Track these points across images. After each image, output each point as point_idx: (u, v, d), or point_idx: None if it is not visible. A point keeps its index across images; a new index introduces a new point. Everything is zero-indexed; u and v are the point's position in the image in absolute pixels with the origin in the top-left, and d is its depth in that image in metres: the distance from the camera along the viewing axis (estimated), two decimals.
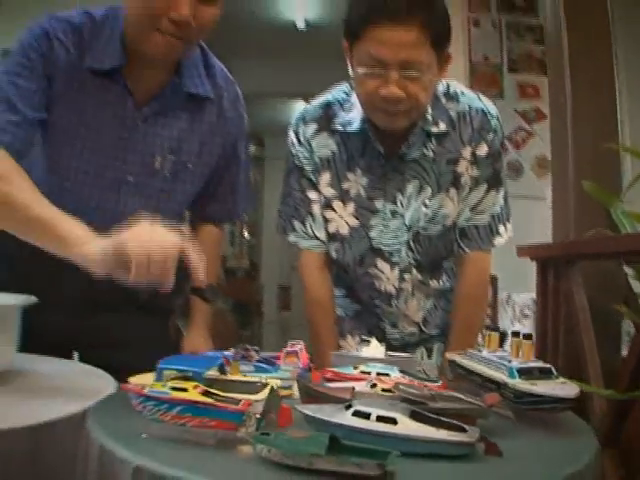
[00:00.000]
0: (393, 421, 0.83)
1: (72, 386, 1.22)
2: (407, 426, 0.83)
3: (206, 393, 0.87)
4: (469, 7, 4.24)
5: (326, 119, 1.65)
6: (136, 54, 1.40)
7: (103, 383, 1.22)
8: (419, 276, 1.69)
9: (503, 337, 1.27)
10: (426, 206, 1.61)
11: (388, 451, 0.75)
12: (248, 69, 7.72)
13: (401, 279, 1.68)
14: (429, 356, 1.79)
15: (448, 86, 1.63)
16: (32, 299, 1.24)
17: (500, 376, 1.06)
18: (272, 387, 0.93)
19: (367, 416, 0.84)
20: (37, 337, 1.34)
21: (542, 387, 1.00)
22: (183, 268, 1.15)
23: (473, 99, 1.62)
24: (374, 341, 1.36)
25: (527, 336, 1.10)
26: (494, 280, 3.78)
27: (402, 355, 1.37)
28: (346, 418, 0.84)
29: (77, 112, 1.42)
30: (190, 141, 1.54)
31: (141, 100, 1.46)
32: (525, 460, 0.86)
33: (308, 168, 1.67)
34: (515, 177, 4.06)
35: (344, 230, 1.66)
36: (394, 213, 1.63)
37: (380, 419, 0.83)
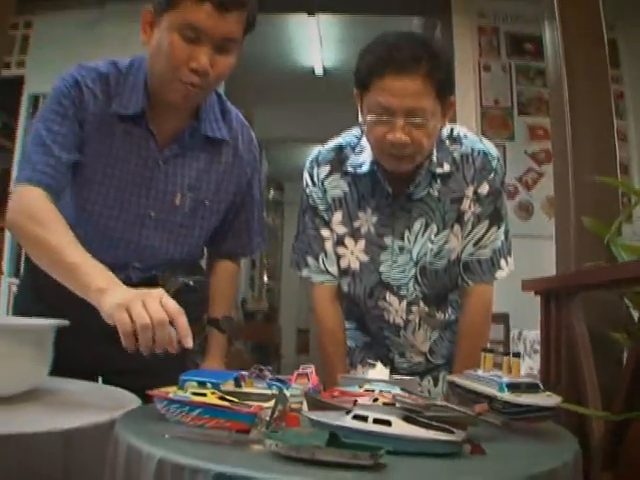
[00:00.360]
0: (388, 423, 0.93)
1: (99, 401, 1.32)
2: (400, 427, 0.93)
3: (222, 398, 0.98)
4: (480, 53, 4.40)
5: (338, 161, 1.77)
6: (158, 100, 1.54)
7: (128, 400, 1.32)
8: (426, 308, 1.79)
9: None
10: (432, 242, 1.72)
11: (380, 446, 0.85)
12: (269, 115, 7.92)
13: (408, 311, 1.78)
14: (435, 384, 1.87)
15: (452, 129, 1.75)
16: (64, 322, 1.35)
17: (491, 391, 1.16)
18: (280, 389, 1.03)
19: (365, 419, 0.94)
20: (63, 362, 1.41)
21: (527, 398, 1.10)
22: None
23: (475, 141, 1.73)
24: (379, 364, 1.45)
25: (516, 354, 1.20)
26: (506, 317, 3.86)
27: (405, 378, 1.46)
28: (346, 421, 0.95)
29: (105, 153, 1.55)
30: (208, 180, 1.66)
31: (163, 142, 1.59)
32: (508, 459, 0.95)
33: (321, 207, 1.78)
34: (526, 217, 4.16)
35: (355, 265, 1.77)
36: (402, 249, 1.73)
37: (376, 421, 0.93)
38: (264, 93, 7.29)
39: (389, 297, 1.77)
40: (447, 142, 1.73)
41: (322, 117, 7.75)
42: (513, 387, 1.13)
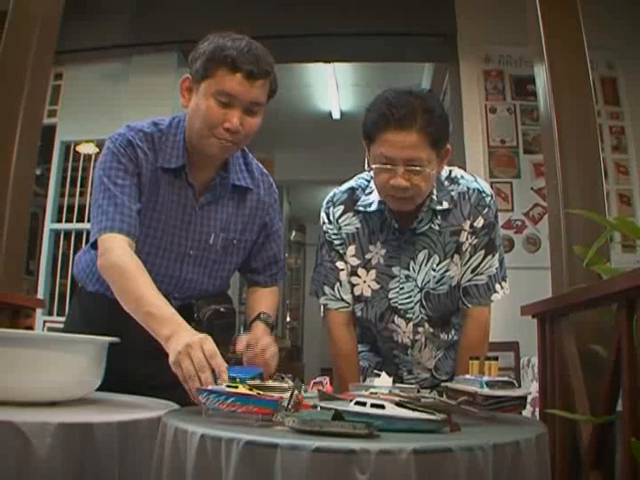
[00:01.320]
0: (382, 407, 1.16)
1: (146, 405, 1.56)
2: (392, 410, 1.16)
3: (251, 389, 1.22)
4: (486, 96, 4.62)
5: (351, 201, 2.02)
6: (196, 155, 1.82)
7: (170, 405, 1.55)
8: (430, 329, 2.01)
9: None
10: (434, 270, 1.96)
11: (373, 422, 1.09)
12: (290, 159, 8.20)
13: (415, 332, 2.01)
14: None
15: (450, 171, 2.00)
16: (116, 339, 1.58)
17: (474, 388, 1.39)
18: (297, 379, 1.28)
19: (364, 404, 1.17)
20: (106, 378, 1.62)
21: (501, 391, 1.33)
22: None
23: (470, 181, 1.98)
24: (384, 374, 1.68)
25: (494, 358, 1.43)
26: (516, 345, 4.06)
27: (406, 385, 1.69)
28: (349, 406, 1.18)
29: (153, 201, 1.82)
30: (235, 222, 1.93)
31: (199, 191, 1.87)
32: (479, 434, 1.17)
33: (336, 242, 2.03)
34: (534, 250, 4.34)
35: (367, 293, 2.01)
36: (408, 277, 1.97)
37: (373, 406, 1.16)
38: (285, 137, 7.56)
39: (397, 320, 2.00)
40: (446, 182, 1.97)
41: (340, 159, 7.96)
42: (491, 384, 1.36)
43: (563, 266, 2.39)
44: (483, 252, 1.97)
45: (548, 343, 2.27)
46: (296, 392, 1.22)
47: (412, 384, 2.00)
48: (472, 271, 1.97)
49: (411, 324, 2.00)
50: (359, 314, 2.06)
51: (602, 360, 2.05)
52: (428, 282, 1.96)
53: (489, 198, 1.97)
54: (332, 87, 6.71)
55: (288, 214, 10.91)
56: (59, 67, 5.05)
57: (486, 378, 1.39)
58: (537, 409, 2.63)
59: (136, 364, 1.80)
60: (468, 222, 1.95)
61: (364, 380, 2.09)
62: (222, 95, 1.69)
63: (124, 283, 1.64)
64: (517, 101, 4.63)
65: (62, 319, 3.95)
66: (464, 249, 1.96)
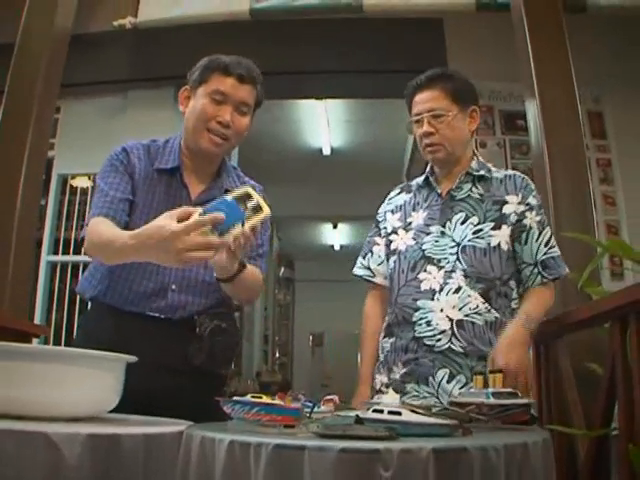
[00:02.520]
0: (399, 413, 1.23)
1: (166, 422, 1.60)
2: (408, 416, 1.23)
3: (273, 399, 1.29)
4: (476, 131, 4.75)
5: (407, 185, 2.34)
6: (191, 158, 2.01)
7: (188, 423, 1.60)
8: (463, 281, 2.02)
9: None
10: (473, 225, 2.08)
11: (394, 427, 1.16)
12: (279, 194, 8.21)
13: (447, 277, 2.04)
14: (449, 381, 1.95)
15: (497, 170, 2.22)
16: (133, 358, 1.62)
17: (480, 399, 1.46)
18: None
19: (381, 411, 1.25)
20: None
21: (506, 400, 1.41)
22: None
23: (516, 172, 2.21)
24: (391, 391, 1.76)
25: (499, 371, 1.52)
26: None
27: (415, 403, 1.77)
28: (368, 413, 1.25)
29: (148, 202, 1.96)
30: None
31: (193, 192, 2.00)
32: (492, 437, 1.25)
33: (381, 219, 2.31)
34: None
35: (402, 247, 2.16)
36: (443, 234, 2.10)
37: (390, 412, 1.24)
38: (274, 172, 7.61)
39: (429, 267, 2.08)
40: (489, 165, 2.21)
41: (331, 195, 8.06)
42: (497, 395, 1.44)
43: (557, 291, 2.48)
44: (549, 228, 2.14)
45: (543, 364, 2.35)
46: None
47: (429, 337, 2.00)
48: (546, 244, 2.10)
49: (442, 271, 2.05)
50: (392, 266, 2.18)
51: (597, 377, 2.14)
52: (465, 237, 2.07)
53: (533, 186, 2.19)
54: (323, 123, 6.80)
55: (277, 250, 10.96)
56: (57, 101, 5.11)
57: (491, 389, 1.47)
58: None
59: (140, 378, 1.75)
60: (515, 197, 2.12)
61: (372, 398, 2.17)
62: (216, 94, 1.94)
63: (105, 244, 1.77)
64: (507, 136, 4.77)
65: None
66: (514, 220, 2.09)
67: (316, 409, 1.57)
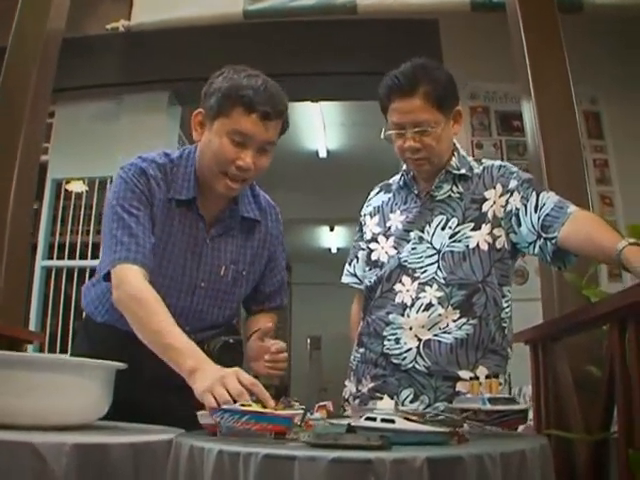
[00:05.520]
0: (392, 421, 1.20)
1: (155, 430, 1.57)
2: (402, 423, 1.20)
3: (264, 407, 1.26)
4: (472, 133, 4.75)
5: (387, 184, 2.23)
6: (206, 188, 1.85)
7: (179, 430, 1.58)
8: (438, 293, 1.92)
9: None
10: (450, 229, 1.97)
11: (387, 435, 1.13)
12: (276, 197, 8.17)
13: (419, 290, 1.94)
14: (412, 401, 1.90)
15: (480, 159, 2.10)
16: (122, 365, 1.59)
17: (477, 405, 1.43)
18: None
19: (374, 419, 1.21)
20: (118, 410, 1.63)
21: (503, 406, 1.38)
22: None
23: (494, 162, 2.07)
24: (386, 397, 1.74)
25: (495, 375, 1.49)
26: (509, 376, 4.09)
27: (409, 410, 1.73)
28: (360, 421, 1.22)
29: (165, 232, 1.84)
30: (244, 254, 1.96)
31: (209, 223, 1.90)
32: (488, 444, 1.22)
33: (362, 222, 2.22)
34: (521, 282, 4.40)
35: (384, 258, 2.06)
36: (421, 239, 1.99)
37: (383, 420, 1.21)
38: (270, 176, 7.52)
39: (404, 279, 1.98)
40: (469, 158, 2.08)
41: (327, 198, 8.02)
42: (493, 400, 1.41)
43: (554, 294, 2.46)
44: (534, 193, 1.92)
45: (542, 367, 2.33)
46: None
47: (395, 355, 1.94)
48: (535, 210, 1.89)
49: (416, 282, 1.96)
50: (373, 279, 2.06)
51: (596, 380, 2.11)
52: (443, 242, 1.96)
53: (515, 168, 2.04)
54: (319, 126, 6.77)
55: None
56: (51, 105, 5.08)
57: (487, 395, 1.43)
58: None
59: (145, 395, 1.80)
60: (493, 191, 1.98)
61: (365, 404, 2.13)
62: (237, 135, 1.73)
63: (143, 315, 1.63)
64: (503, 137, 4.76)
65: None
66: (489, 217, 1.95)
67: (309, 415, 1.55)
